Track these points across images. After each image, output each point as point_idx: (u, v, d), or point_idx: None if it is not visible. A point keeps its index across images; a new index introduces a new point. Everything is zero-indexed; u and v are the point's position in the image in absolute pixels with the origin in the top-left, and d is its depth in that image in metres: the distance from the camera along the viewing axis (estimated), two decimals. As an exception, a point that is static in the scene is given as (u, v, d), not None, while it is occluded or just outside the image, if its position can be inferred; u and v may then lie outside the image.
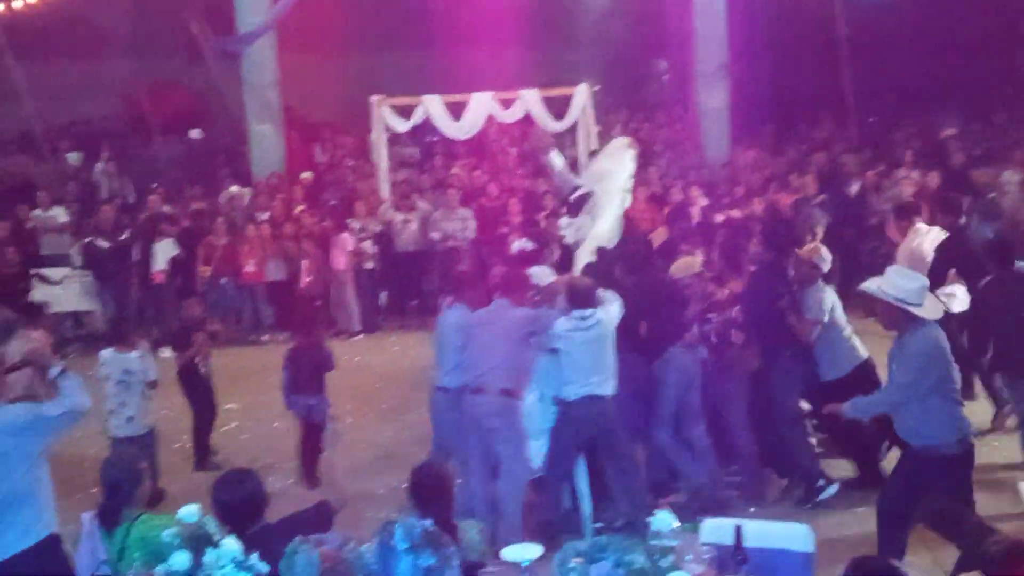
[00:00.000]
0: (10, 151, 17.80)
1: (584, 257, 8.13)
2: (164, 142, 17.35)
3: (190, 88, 19.77)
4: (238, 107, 16.47)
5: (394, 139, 15.58)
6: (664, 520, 4.19)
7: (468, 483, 6.93)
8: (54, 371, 5.07)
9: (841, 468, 7.68)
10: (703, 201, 13.10)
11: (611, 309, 6.79)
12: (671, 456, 7.27)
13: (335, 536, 4.14)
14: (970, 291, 8.41)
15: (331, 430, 5.06)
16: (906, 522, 5.67)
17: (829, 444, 7.94)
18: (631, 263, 7.68)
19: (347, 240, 13.36)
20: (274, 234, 13.60)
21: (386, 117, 14.38)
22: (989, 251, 7.92)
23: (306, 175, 15.71)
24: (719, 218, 11.68)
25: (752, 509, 7.03)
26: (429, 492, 4.74)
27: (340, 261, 13.31)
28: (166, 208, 14.39)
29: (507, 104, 14.56)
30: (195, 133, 18.64)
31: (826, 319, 7.41)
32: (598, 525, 6.81)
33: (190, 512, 4.19)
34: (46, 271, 13.59)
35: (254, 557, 4.07)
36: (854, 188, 13.43)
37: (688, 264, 7.59)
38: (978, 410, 9.06)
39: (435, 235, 13.66)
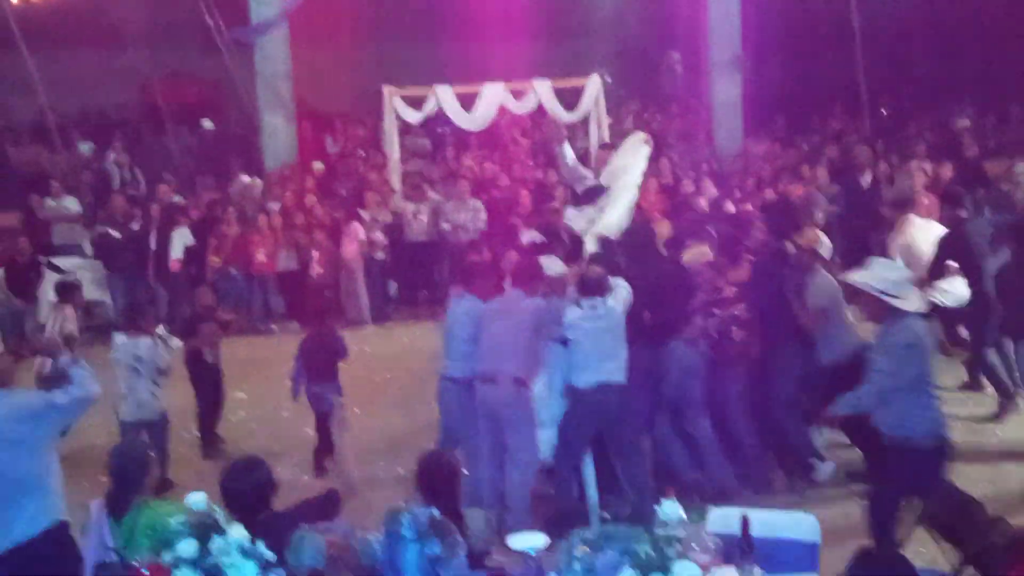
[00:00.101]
0: (23, 141, 17.84)
1: (589, 247, 8.12)
2: (176, 132, 17.35)
3: (203, 79, 19.79)
4: (250, 98, 16.48)
5: (405, 130, 15.57)
6: (671, 509, 4.18)
7: (475, 472, 6.95)
8: (65, 360, 5.11)
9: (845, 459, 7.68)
10: (713, 192, 13.07)
11: (621, 297, 6.78)
12: (666, 448, 7.27)
13: (342, 524, 4.15)
14: (970, 285, 8.51)
15: (338, 418, 5.07)
16: (890, 514, 5.65)
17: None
18: (636, 253, 7.68)
19: (358, 230, 13.37)
20: (285, 224, 13.62)
21: (397, 108, 14.38)
22: (1008, 233, 8.28)
23: (318, 165, 15.72)
24: (730, 207, 11.65)
25: (756, 499, 7.02)
26: (436, 481, 4.76)
27: (351, 251, 13.33)
28: (176, 198, 14.41)
29: (519, 95, 14.54)
30: (207, 124, 18.65)
31: (827, 304, 7.42)
32: (604, 514, 6.81)
33: (197, 500, 4.20)
34: (57, 260, 13.63)
35: (261, 545, 4.08)
36: (866, 180, 13.38)
37: (701, 252, 7.58)
38: (988, 401, 9.08)
39: (446, 226, 13.66)
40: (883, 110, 17.60)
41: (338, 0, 18.75)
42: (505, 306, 7.01)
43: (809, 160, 14.67)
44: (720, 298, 7.35)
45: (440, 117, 15.15)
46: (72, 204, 14.68)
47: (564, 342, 6.90)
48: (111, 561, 4.54)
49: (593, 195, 8.72)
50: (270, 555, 4.07)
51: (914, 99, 18.57)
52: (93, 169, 16.18)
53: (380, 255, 13.66)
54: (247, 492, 4.46)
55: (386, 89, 14.46)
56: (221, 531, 4.09)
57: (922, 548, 5.55)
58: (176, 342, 8.96)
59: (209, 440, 9.06)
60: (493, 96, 14.32)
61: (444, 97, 14.28)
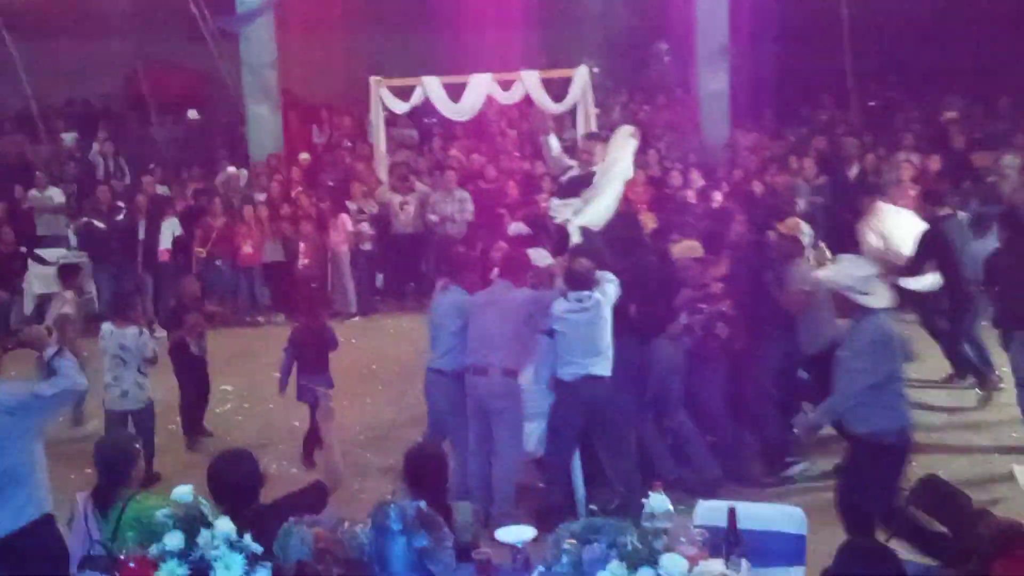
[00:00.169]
0: (6, 130, 17.72)
1: (574, 238, 8.11)
2: (161, 122, 17.26)
3: (188, 68, 19.67)
4: (236, 87, 16.40)
5: (392, 120, 15.51)
6: (658, 502, 4.19)
7: (462, 464, 6.95)
8: (50, 352, 5.08)
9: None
10: (701, 183, 13.08)
11: (608, 290, 6.79)
12: (647, 443, 7.28)
13: (329, 517, 4.14)
14: (946, 279, 8.62)
15: (323, 408, 5.05)
16: (857, 507, 5.67)
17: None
18: (622, 245, 7.68)
19: (345, 220, 13.34)
20: (271, 215, 13.58)
21: (384, 98, 14.31)
22: (1000, 222, 8.47)
23: (304, 156, 15.66)
24: (717, 197, 11.68)
25: (738, 493, 7.04)
26: (423, 473, 4.76)
27: (338, 242, 13.30)
28: (161, 189, 14.34)
29: (506, 85, 14.49)
30: (192, 114, 18.55)
31: (809, 289, 7.45)
32: (592, 507, 6.82)
33: (184, 492, 4.19)
34: (42, 251, 13.55)
35: (248, 537, 4.07)
36: (854, 171, 13.41)
37: (691, 247, 7.57)
38: (972, 393, 9.13)
39: (433, 217, 13.63)
40: (870, 102, 17.63)
41: (324, -11, 18.71)
42: (493, 297, 7.01)
43: (797, 151, 14.69)
44: (707, 294, 7.37)
45: (427, 108, 15.09)
46: (56, 195, 14.58)
47: (550, 334, 6.90)
48: (97, 554, 4.53)
49: (578, 186, 8.73)
50: (257, 548, 4.06)
51: (902, 91, 18.61)
52: (77, 160, 16.09)
53: (367, 246, 13.63)
54: (234, 484, 4.45)
55: (373, 79, 14.39)
56: (208, 524, 4.08)
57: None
58: (160, 332, 8.95)
59: (192, 432, 9.03)
60: (480, 87, 14.28)
61: (431, 87, 14.23)
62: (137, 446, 5.09)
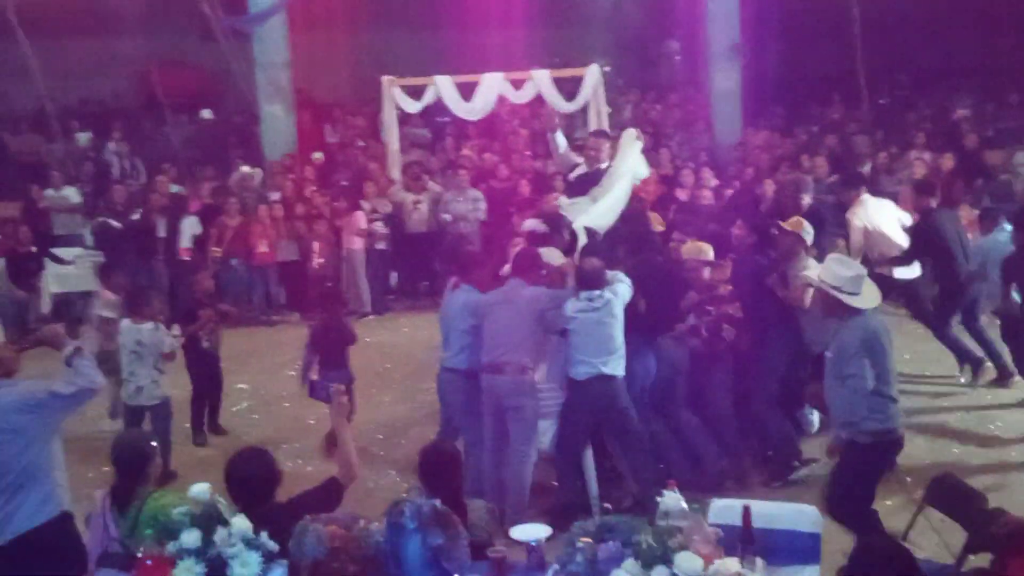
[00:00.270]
0: (22, 130, 17.82)
1: (581, 238, 8.12)
2: (175, 122, 17.32)
3: (201, 68, 19.74)
4: (249, 87, 16.45)
5: (404, 119, 15.54)
6: (673, 500, 4.20)
7: (477, 463, 6.96)
8: (68, 350, 5.11)
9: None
10: (713, 182, 13.08)
11: (619, 289, 6.80)
12: (660, 442, 7.28)
13: (344, 515, 4.16)
14: (939, 269, 9.05)
15: (336, 404, 5.07)
16: (845, 502, 5.66)
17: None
18: (630, 243, 7.68)
19: (360, 217, 13.36)
20: (286, 215, 13.62)
21: (397, 97, 14.33)
22: (1013, 220, 8.72)
23: (317, 156, 15.70)
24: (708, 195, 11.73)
25: (743, 493, 7.04)
26: (438, 471, 4.77)
27: (352, 240, 13.33)
28: (175, 189, 14.40)
29: (518, 84, 14.50)
30: (206, 113, 18.61)
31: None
32: (606, 505, 6.84)
33: (201, 490, 4.22)
34: (58, 251, 13.63)
35: (264, 535, 4.10)
36: (866, 169, 13.38)
37: (699, 249, 7.57)
38: (985, 390, 9.12)
39: (446, 216, 13.65)
40: (882, 100, 17.59)
41: (336, -11, 18.75)
42: (507, 296, 7.01)
43: (808, 150, 14.67)
44: (714, 296, 7.37)
45: (439, 107, 15.11)
46: (72, 194, 14.67)
47: (563, 333, 6.91)
48: (114, 551, 4.57)
49: (587, 184, 8.75)
50: (273, 546, 4.10)
51: (913, 88, 18.56)
52: (93, 159, 16.17)
53: (381, 245, 13.66)
54: (252, 482, 4.47)
55: (385, 79, 14.42)
56: (225, 522, 4.11)
57: (920, 539, 5.60)
58: (175, 329, 8.99)
59: (200, 427, 9.06)
60: (492, 86, 14.29)
61: (443, 87, 14.25)
62: (153, 444, 5.13)
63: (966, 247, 9.47)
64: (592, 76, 14.33)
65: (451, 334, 7.24)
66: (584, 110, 14.69)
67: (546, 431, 6.94)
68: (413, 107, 14.64)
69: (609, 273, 6.90)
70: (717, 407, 7.47)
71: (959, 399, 9.04)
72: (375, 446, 8.66)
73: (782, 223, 7.66)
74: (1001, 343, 9.13)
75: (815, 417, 7.92)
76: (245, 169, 14.90)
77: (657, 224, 8.59)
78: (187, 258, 13.20)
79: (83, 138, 17.26)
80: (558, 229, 7.85)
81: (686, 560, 3.75)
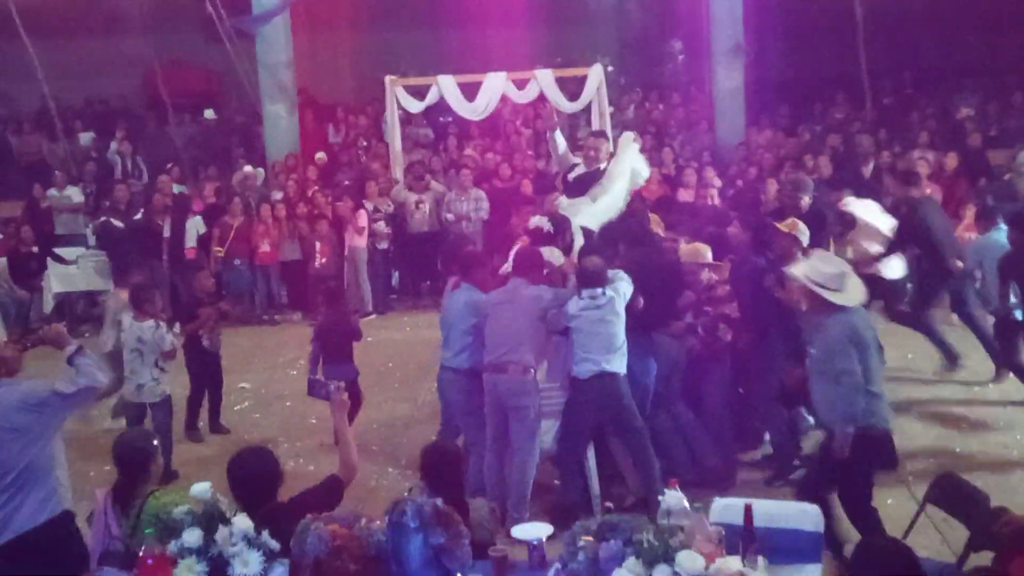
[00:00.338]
0: (25, 130, 17.86)
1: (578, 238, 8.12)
2: (179, 122, 17.35)
3: (205, 68, 19.77)
4: (252, 87, 16.47)
5: (407, 119, 15.56)
6: (674, 499, 4.20)
7: (478, 462, 6.96)
8: (70, 350, 5.12)
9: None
10: (717, 182, 13.08)
11: (620, 287, 6.80)
12: (661, 440, 7.26)
13: (346, 514, 4.16)
14: (925, 259, 9.11)
15: (336, 401, 5.06)
16: (820, 499, 5.65)
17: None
18: (629, 241, 7.67)
19: (362, 215, 13.36)
20: (288, 214, 13.63)
21: (400, 97, 14.35)
22: (1010, 221, 8.78)
23: (320, 156, 15.72)
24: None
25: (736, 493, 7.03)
26: (440, 470, 4.78)
27: (356, 240, 13.33)
28: (178, 189, 14.41)
29: (521, 84, 14.51)
30: (209, 113, 18.64)
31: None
32: (608, 504, 6.84)
33: (202, 489, 4.22)
34: (60, 251, 13.65)
35: (265, 535, 4.10)
36: (869, 169, 13.37)
37: (697, 251, 7.54)
38: (991, 390, 9.11)
39: (449, 216, 13.66)
40: (885, 99, 17.57)
41: (339, -11, 18.77)
42: (509, 295, 7.00)
43: (812, 149, 14.66)
44: (712, 296, 7.35)
45: (442, 106, 15.12)
46: (75, 194, 14.70)
47: (564, 332, 6.91)
48: (115, 550, 4.57)
49: (586, 183, 8.75)
50: (275, 545, 4.10)
51: (917, 88, 18.54)
52: (95, 159, 16.19)
53: (383, 245, 13.67)
54: (254, 481, 4.47)
55: (388, 79, 14.43)
56: (226, 521, 4.11)
57: (923, 538, 5.59)
58: (176, 328, 9.01)
59: (194, 424, 9.06)
60: (495, 86, 14.30)
61: (446, 87, 14.26)
62: (155, 442, 5.13)
63: (951, 236, 9.64)
64: (595, 76, 14.34)
65: (452, 334, 7.23)
66: (587, 110, 14.69)
67: (548, 430, 6.94)
68: (416, 107, 14.66)
69: (610, 271, 6.89)
70: (712, 406, 7.45)
71: (962, 397, 9.03)
72: (376, 445, 8.65)
73: (778, 224, 7.65)
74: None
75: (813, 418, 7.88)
76: (248, 169, 14.92)
77: (656, 226, 8.58)
78: (192, 257, 13.20)
79: (86, 138, 17.30)
80: (561, 229, 7.84)
81: (688, 559, 3.74)
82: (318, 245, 13.29)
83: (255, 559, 4.03)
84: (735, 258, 7.77)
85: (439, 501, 4.14)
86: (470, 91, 14.31)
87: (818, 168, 13.40)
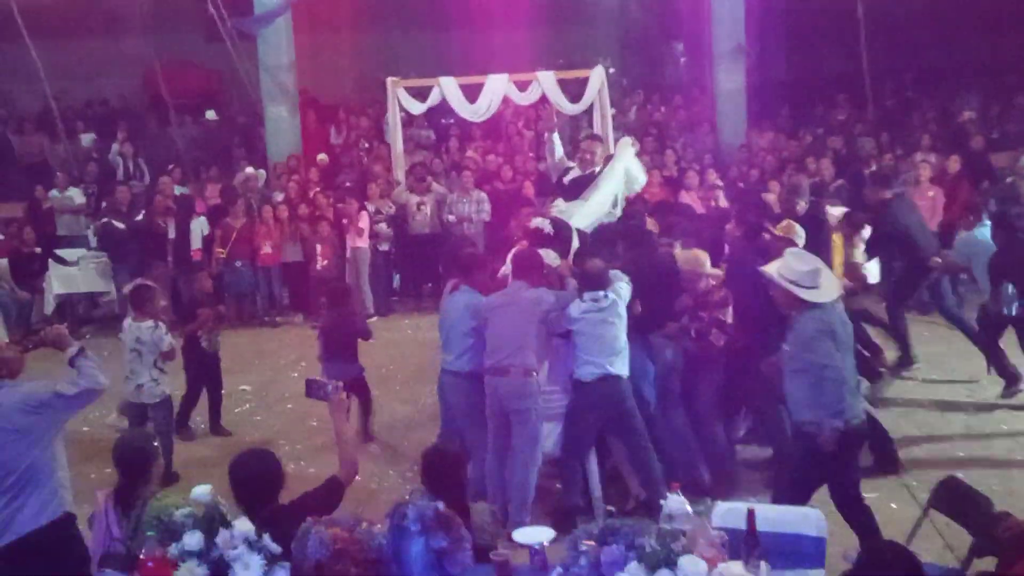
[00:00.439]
0: (27, 131, 17.86)
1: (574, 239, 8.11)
2: (180, 123, 17.35)
3: (206, 69, 19.78)
4: (254, 88, 16.48)
5: (409, 121, 15.55)
6: (677, 503, 4.19)
7: (479, 465, 6.95)
8: (72, 351, 5.11)
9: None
10: (719, 184, 13.06)
11: (620, 289, 6.79)
12: (663, 443, 7.24)
13: (347, 517, 4.15)
14: (901, 258, 9.03)
15: (334, 401, 5.05)
16: (806, 493, 5.65)
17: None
18: (627, 243, 7.66)
19: (364, 217, 13.34)
20: (290, 216, 13.62)
21: (401, 99, 14.33)
22: (994, 222, 9.11)
23: (322, 157, 15.72)
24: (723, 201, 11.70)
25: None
26: (441, 474, 4.76)
27: (358, 241, 13.31)
28: (178, 190, 14.41)
29: (523, 86, 14.49)
30: (211, 114, 18.65)
31: None
32: (610, 508, 6.82)
33: (203, 492, 4.21)
34: (62, 252, 13.64)
35: (266, 537, 4.09)
36: (871, 171, 13.34)
37: (695, 259, 7.49)
38: (993, 391, 9.10)
39: (450, 218, 13.66)
40: (887, 101, 17.58)
41: (341, -10, 18.78)
42: (510, 298, 6.98)
43: (813, 151, 14.65)
44: (708, 300, 7.33)
45: (443, 108, 15.11)
46: (77, 195, 14.70)
47: (564, 336, 6.89)
48: (116, 551, 4.56)
49: (579, 187, 8.74)
50: (276, 548, 4.08)
51: (919, 90, 18.54)
52: (97, 160, 16.19)
53: (384, 247, 13.66)
54: (255, 483, 4.45)
55: (390, 80, 14.42)
56: (227, 524, 4.10)
57: (926, 543, 5.58)
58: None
59: (185, 424, 9.05)
60: (497, 87, 14.28)
61: (448, 88, 14.25)
62: (155, 444, 5.12)
63: (927, 233, 9.83)
64: (596, 77, 14.32)
65: (452, 337, 7.20)
66: (589, 111, 14.69)
67: (550, 433, 6.92)
68: (417, 108, 14.64)
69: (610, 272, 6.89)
70: (703, 410, 7.42)
71: (965, 401, 9.01)
72: (377, 447, 8.66)
73: (774, 227, 7.65)
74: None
75: None
76: (249, 170, 14.91)
77: (652, 227, 8.58)
78: (198, 259, 13.19)
79: (87, 139, 17.31)
80: (560, 232, 7.84)
81: (690, 563, 3.73)
82: (319, 247, 13.27)
83: (256, 562, 4.02)
84: (731, 259, 7.75)
85: (441, 504, 4.13)
86: (472, 93, 14.30)
87: (820, 170, 13.40)
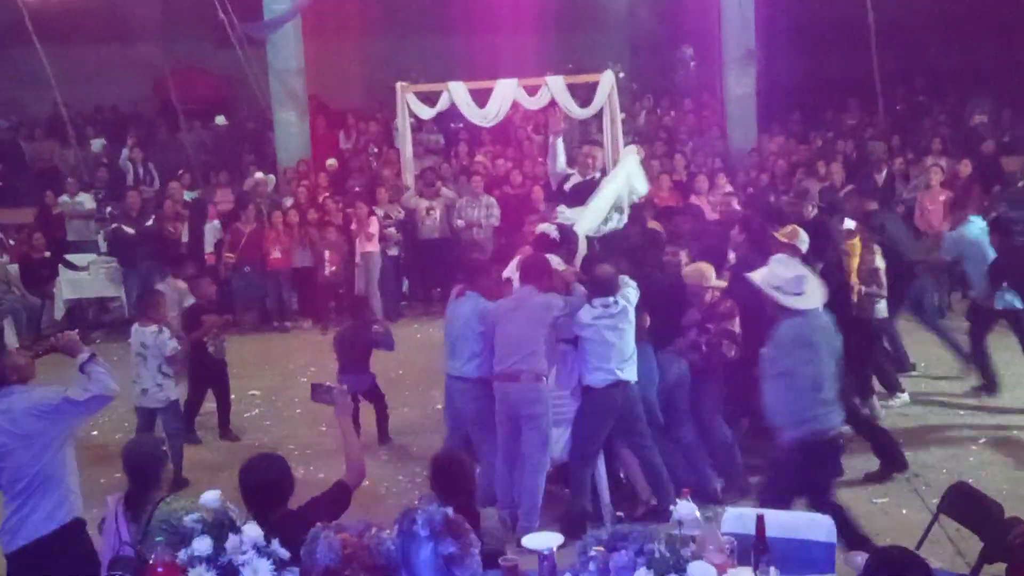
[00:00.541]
0: (37, 136, 17.93)
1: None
2: (190, 128, 17.39)
3: (216, 74, 19.82)
4: (263, 94, 16.51)
5: (418, 126, 15.55)
6: (686, 509, 4.18)
7: (487, 471, 6.94)
8: (83, 357, 5.13)
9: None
10: (727, 188, 13.04)
11: (629, 295, 6.78)
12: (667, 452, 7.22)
13: (356, 522, 4.14)
14: (890, 268, 8.97)
15: (341, 405, 5.05)
16: (786, 499, 5.60)
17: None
18: (633, 258, 7.63)
19: (374, 222, 13.35)
20: (300, 221, 13.63)
21: (410, 104, 14.33)
22: (992, 228, 9.24)
23: (331, 162, 15.74)
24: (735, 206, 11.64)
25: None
26: (450, 479, 4.76)
27: (367, 245, 13.32)
28: (188, 195, 14.44)
29: (532, 91, 14.48)
30: (220, 120, 18.69)
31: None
32: (619, 514, 6.81)
33: (212, 497, 4.21)
34: (72, 257, 13.69)
35: (275, 543, 4.09)
36: (882, 176, 13.32)
37: (701, 273, 7.46)
38: (1004, 397, 9.06)
39: (459, 222, 13.66)
40: (898, 106, 17.53)
41: (350, -4, 18.81)
42: (518, 303, 6.98)
43: (824, 156, 14.62)
44: (715, 312, 7.30)
45: (453, 113, 15.10)
46: (87, 200, 14.74)
47: (572, 342, 6.88)
48: (126, 556, 4.56)
49: (581, 194, 8.74)
50: (284, 553, 4.08)
51: (929, 94, 18.49)
52: (107, 165, 16.24)
53: (394, 251, 13.67)
54: (265, 488, 4.46)
55: (399, 85, 14.42)
56: (236, 529, 4.10)
57: (936, 548, 5.55)
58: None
59: (188, 426, 9.06)
60: (506, 92, 14.27)
61: (457, 93, 14.24)
62: (164, 449, 5.13)
63: (909, 244, 10.02)
64: (606, 82, 14.30)
65: (458, 342, 7.17)
66: (598, 116, 14.67)
67: (558, 439, 6.91)
68: (427, 113, 14.64)
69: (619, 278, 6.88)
70: (707, 420, 7.39)
71: (975, 406, 8.98)
72: (386, 452, 8.66)
73: (777, 232, 7.62)
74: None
75: None
76: (259, 175, 14.94)
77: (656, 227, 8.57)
78: (212, 263, 13.21)
79: (97, 144, 17.37)
80: (566, 238, 7.82)
81: (699, 569, 3.72)
82: (327, 253, 13.27)
83: (265, 567, 4.02)
84: (735, 268, 7.71)
85: (450, 510, 4.13)
86: (481, 97, 14.29)
87: (830, 175, 13.36)
